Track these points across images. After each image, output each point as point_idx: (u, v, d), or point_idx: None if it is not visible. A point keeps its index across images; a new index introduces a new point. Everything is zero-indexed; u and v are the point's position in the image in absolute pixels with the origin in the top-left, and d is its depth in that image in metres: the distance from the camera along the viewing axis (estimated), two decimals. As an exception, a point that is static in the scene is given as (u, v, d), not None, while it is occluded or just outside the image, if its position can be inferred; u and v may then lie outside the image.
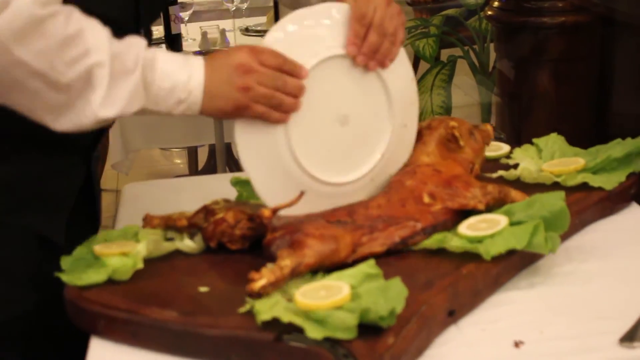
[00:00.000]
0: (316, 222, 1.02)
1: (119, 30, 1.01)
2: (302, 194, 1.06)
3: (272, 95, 1.03)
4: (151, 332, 0.95)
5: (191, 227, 1.11)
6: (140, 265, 1.04)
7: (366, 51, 1.09)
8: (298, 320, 0.85)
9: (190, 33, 3.53)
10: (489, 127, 1.24)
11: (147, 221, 1.14)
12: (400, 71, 1.15)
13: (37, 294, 1.10)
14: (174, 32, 3.17)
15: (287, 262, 0.92)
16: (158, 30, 3.53)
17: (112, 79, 0.98)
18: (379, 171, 1.15)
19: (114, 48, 0.99)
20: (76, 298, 1.00)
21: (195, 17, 3.76)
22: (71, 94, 0.97)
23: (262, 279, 0.87)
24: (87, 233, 1.14)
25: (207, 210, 1.10)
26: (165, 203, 1.34)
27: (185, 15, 3.51)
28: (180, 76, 1.01)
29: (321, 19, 1.09)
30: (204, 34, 3.20)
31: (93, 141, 1.21)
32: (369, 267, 0.94)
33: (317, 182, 1.09)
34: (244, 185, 1.24)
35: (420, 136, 1.20)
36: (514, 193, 1.12)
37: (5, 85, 0.97)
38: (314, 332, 0.84)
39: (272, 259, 0.98)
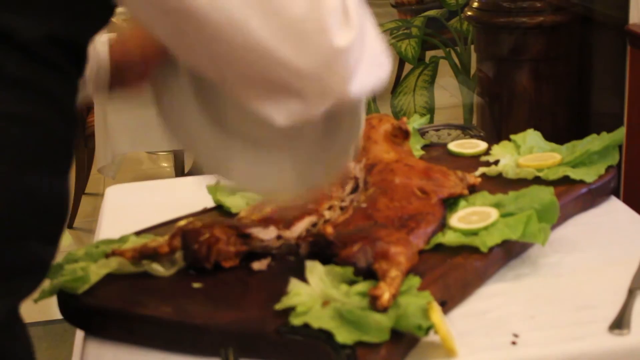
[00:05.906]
0: (377, 229, 1.01)
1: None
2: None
3: None
4: (147, 328, 0.96)
5: (172, 252, 1.05)
6: (95, 279, 1.02)
7: None
8: (328, 325, 0.85)
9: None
10: (404, 119, 1.25)
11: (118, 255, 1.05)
12: None
13: None
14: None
15: (395, 272, 0.92)
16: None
17: None
18: None
19: None
20: (71, 296, 1.00)
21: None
22: None
23: (385, 293, 0.88)
24: None
25: (184, 232, 1.05)
26: (149, 205, 1.33)
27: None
28: None
29: None
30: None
31: None
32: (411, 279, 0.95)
33: None
34: (221, 192, 1.23)
35: (366, 137, 1.19)
36: (468, 175, 1.18)
37: None
38: (343, 337, 0.84)
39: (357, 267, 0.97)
